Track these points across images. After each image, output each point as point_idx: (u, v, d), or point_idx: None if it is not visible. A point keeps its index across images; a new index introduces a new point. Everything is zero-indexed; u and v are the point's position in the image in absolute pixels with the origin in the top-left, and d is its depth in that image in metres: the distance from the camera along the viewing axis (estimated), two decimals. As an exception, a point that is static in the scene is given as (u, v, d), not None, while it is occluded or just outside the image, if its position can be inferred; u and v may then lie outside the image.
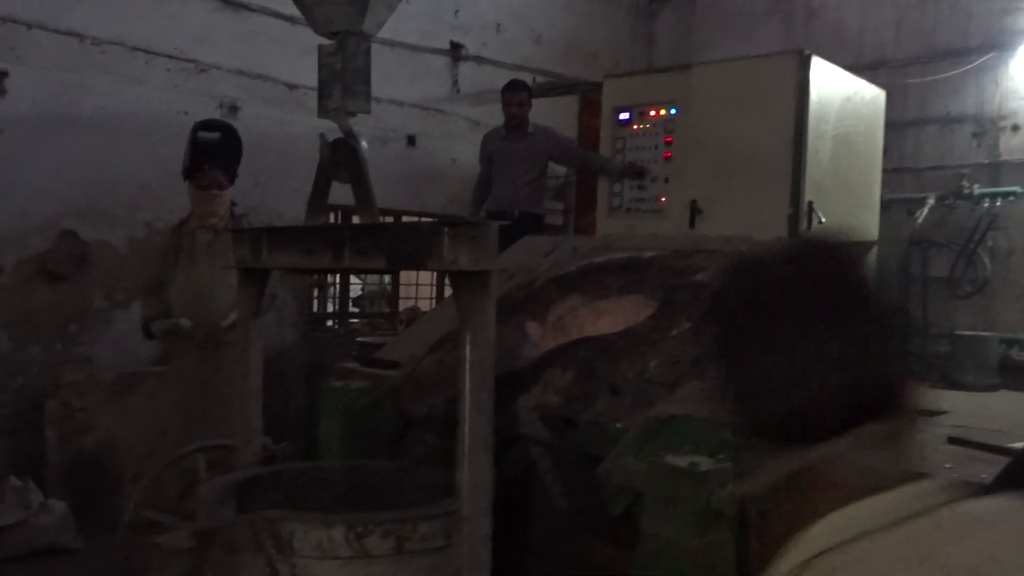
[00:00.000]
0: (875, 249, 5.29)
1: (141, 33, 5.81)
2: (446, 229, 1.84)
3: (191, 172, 4.22)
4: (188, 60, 6.06)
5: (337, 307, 7.58)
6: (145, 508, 2.23)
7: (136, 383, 5.55)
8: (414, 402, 2.75)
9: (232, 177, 4.37)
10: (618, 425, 2.35)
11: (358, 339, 6.49)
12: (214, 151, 4.14)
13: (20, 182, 5.33)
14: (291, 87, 6.48)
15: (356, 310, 8.05)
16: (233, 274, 3.88)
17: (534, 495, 2.81)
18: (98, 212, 5.65)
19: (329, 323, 7.40)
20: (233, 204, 4.53)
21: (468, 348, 1.89)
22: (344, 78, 2.20)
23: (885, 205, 6.27)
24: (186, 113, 5.96)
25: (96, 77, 5.62)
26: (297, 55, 6.18)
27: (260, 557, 1.96)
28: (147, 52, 5.85)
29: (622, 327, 2.80)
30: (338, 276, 7.41)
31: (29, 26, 5.36)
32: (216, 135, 4.20)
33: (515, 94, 6.31)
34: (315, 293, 7.36)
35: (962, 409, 5.14)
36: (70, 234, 5.53)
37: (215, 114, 6.05)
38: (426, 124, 7.43)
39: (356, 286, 8.27)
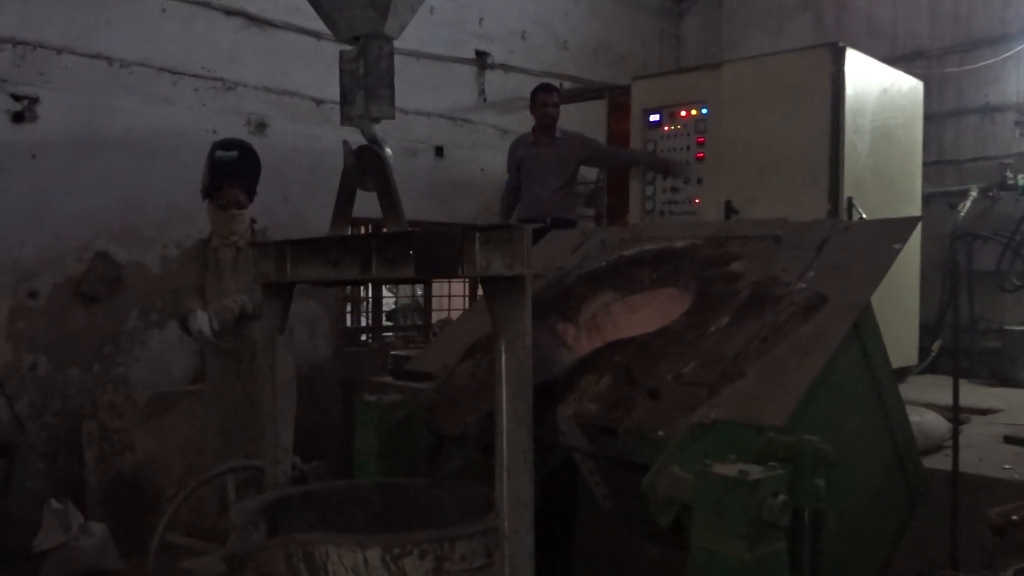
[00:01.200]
0: (919, 225, 5.13)
1: (168, 54, 5.84)
2: (478, 233, 1.76)
3: (210, 192, 4.21)
4: (215, 79, 6.08)
5: (370, 321, 7.55)
6: (173, 532, 2.17)
7: (173, 402, 5.56)
8: (448, 420, 2.67)
9: (251, 195, 4.35)
10: (660, 433, 2.25)
11: (392, 352, 6.46)
12: (232, 170, 4.12)
13: (53, 206, 5.37)
14: (318, 102, 6.49)
15: (389, 323, 8.02)
16: (259, 291, 3.90)
17: (578, 499, 2.74)
18: (130, 233, 5.68)
19: (363, 337, 7.37)
20: (253, 221, 4.51)
21: (504, 357, 1.81)
22: (367, 83, 2.13)
23: (926, 199, 6.11)
24: (214, 131, 5.98)
25: (124, 99, 5.66)
26: (323, 70, 6.18)
27: (294, 581, 1.89)
28: (174, 72, 5.88)
29: (657, 322, 2.69)
30: (370, 290, 7.38)
31: (58, 51, 5.41)
32: (234, 154, 4.19)
33: (549, 94, 6.26)
34: (348, 308, 7.34)
35: (1016, 406, 4.99)
36: (103, 256, 5.56)
37: (243, 131, 6.07)
38: (454, 134, 7.40)
39: (389, 299, 8.24)
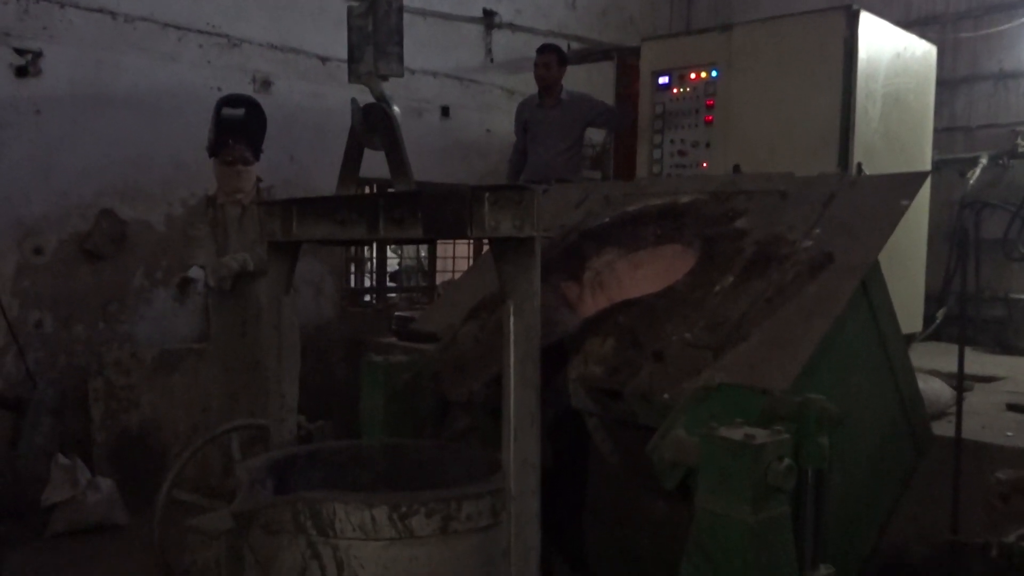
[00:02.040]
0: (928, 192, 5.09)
1: (173, 9, 5.77)
2: (487, 194, 1.75)
3: (216, 148, 4.18)
4: (220, 35, 6.01)
5: (374, 282, 7.55)
6: (179, 489, 2.18)
7: (178, 360, 5.58)
8: (453, 386, 2.67)
9: (258, 152, 4.32)
10: (665, 396, 2.25)
11: (396, 313, 6.47)
12: (239, 127, 4.09)
13: (58, 162, 5.35)
14: (324, 60, 6.42)
15: (393, 284, 8.02)
16: (263, 249, 3.88)
17: (588, 454, 2.76)
18: (136, 191, 5.65)
19: (367, 298, 7.38)
20: (259, 179, 4.48)
21: (512, 319, 1.80)
22: (376, 39, 2.10)
23: (936, 166, 6.05)
24: (219, 89, 5.92)
25: (129, 55, 5.60)
26: (330, 28, 6.11)
27: (301, 539, 1.91)
28: (179, 28, 5.81)
29: (661, 279, 2.67)
30: (374, 250, 7.37)
31: (62, 5, 5.34)
32: (240, 111, 4.16)
33: (541, 55, 6.19)
34: (352, 268, 7.34)
35: (1020, 374, 4.99)
36: (109, 214, 5.54)
37: (248, 89, 6.01)
38: (460, 94, 7.33)
39: (393, 260, 8.23)
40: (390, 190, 2.18)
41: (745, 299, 2.38)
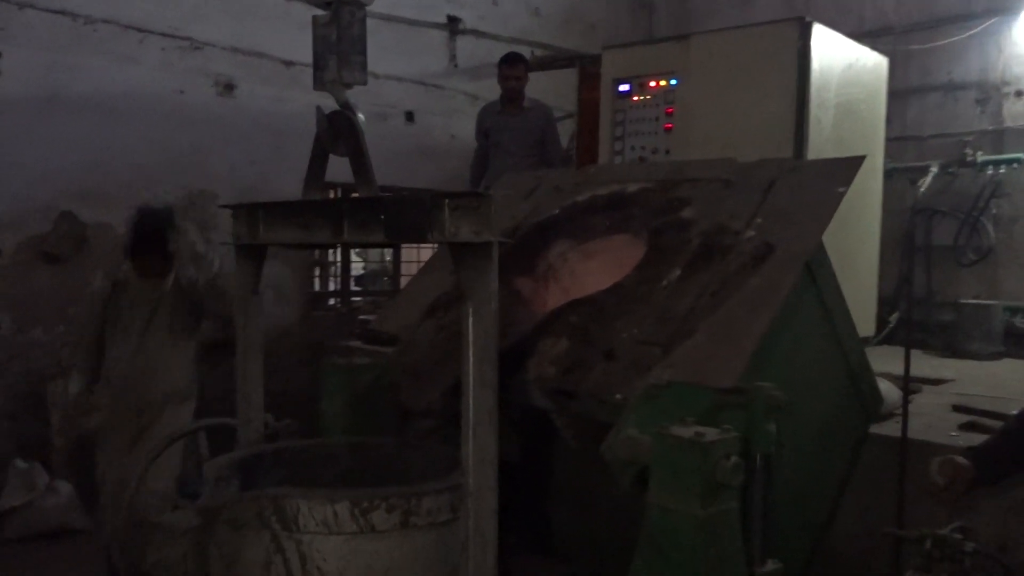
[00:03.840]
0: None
1: (134, 11, 5.75)
2: (447, 200, 1.82)
3: (132, 254, 3.93)
4: (183, 38, 6.00)
5: (339, 286, 7.56)
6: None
7: (138, 364, 5.54)
8: (413, 396, 2.73)
9: (171, 258, 4.04)
10: (617, 396, 2.33)
11: (360, 317, 6.48)
12: (156, 238, 3.85)
13: (17, 164, 5.30)
14: (288, 64, 6.42)
15: (358, 288, 8.03)
16: (173, 352, 3.76)
17: (551, 444, 2.86)
18: (96, 193, 5.61)
19: (331, 302, 7.38)
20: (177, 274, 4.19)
21: (471, 321, 1.87)
22: (339, 49, 2.16)
23: (888, 174, 6.22)
24: (181, 92, 5.92)
25: (89, 57, 5.57)
26: (293, 31, 6.10)
27: (265, 534, 1.95)
28: (140, 30, 5.79)
29: (612, 269, 2.75)
30: (339, 254, 7.38)
31: (20, 6, 5.30)
32: (157, 222, 3.91)
33: (512, 67, 6.25)
34: (316, 272, 7.33)
35: (966, 377, 5.15)
36: (68, 216, 5.50)
37: (211, 92, 6.03)
38: (424, 100, 7.38)
39: (358, 264, 8.24)
40: (354, 195, 2.24)
41: (691, 293, 2.47)
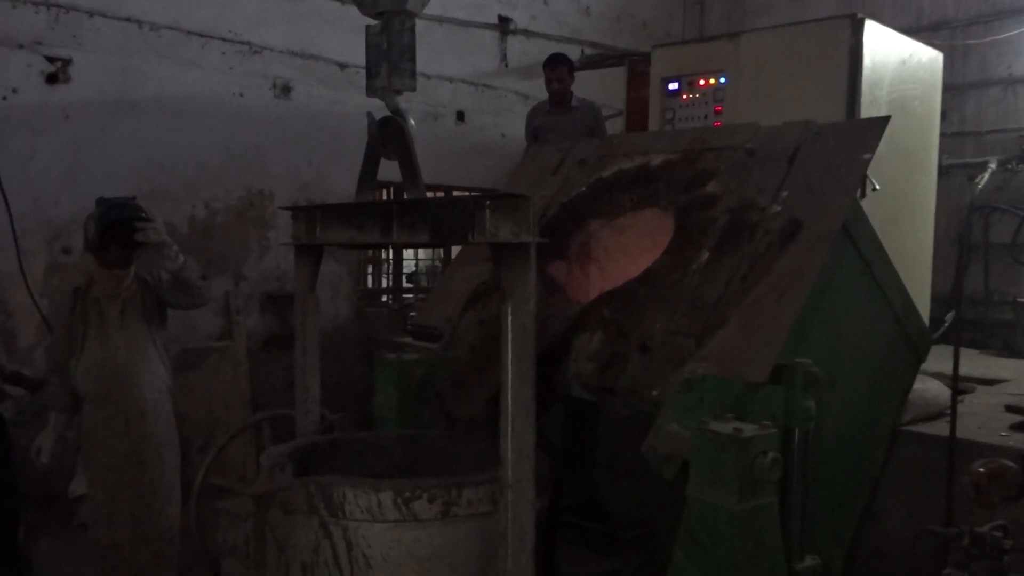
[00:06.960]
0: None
1: (196, 18, 5.95)
2: (488, 202, 1.89)
3: (97, 249, 3.96)
4: (242, 43, 6.18)
5: (391, 283, 7.70)
6: (214, 476, 2.34)
7: (200, 358, 5.75)
8: (456, 406, 2.81)
9: (134, 254, 3.94)
10: (654, 393, 2.37)
11: (411, 313, 6.61)
12: (122, 231, 3.88)
13: (87, 166, 5.53)
14: (343, 67, 6.58)
15: (410, 285, 8.17)
16: (151, 347, 3.83)
17: (597, 420, 3.03)
18: (160, 193, 5.81)
19: (383, 298, 7.52)
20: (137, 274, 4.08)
21: (510, 319, 1.94)
22: (390, 57, 2.25)
23: (945, 170, 6.11)
24: (241, 95, 6.11)
25: (154, 62, 5.78)
26: (348, 35, 6.24)
27: (314, 519, 2.06)
28: (202, 36, 5.99)
29: (643, 243, 2.77)
30: (391, 252, 7.52)
31: (91, 14, 5.53)
32: (123, 211, 3.93)
33: (554, 70, 6.27)
34: (370, 269, 7.48)
35: (1022, 377, 5.06)
36: (134, 215, 5.70)
37: (268, 95, 6.20)
38: (475, 99, 7.47)
39: (410, 262, 8.38)
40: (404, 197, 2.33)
41: (721, 278, 2.47)
